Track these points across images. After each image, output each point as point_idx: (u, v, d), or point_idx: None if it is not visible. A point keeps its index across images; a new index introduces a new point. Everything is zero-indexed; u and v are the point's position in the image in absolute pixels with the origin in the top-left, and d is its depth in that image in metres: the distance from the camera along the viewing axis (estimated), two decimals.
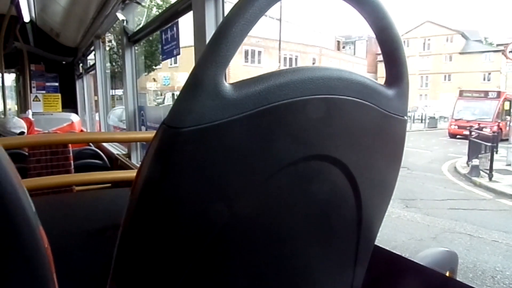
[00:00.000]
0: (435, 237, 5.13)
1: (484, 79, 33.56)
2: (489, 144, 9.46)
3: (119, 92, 5.91)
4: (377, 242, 0.83)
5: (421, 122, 26.01)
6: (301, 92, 0.53)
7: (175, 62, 21.20)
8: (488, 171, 8.63)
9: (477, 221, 5.79)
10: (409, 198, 7.03)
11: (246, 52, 24.60)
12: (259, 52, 25.38)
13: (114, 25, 3.83)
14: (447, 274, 0.95)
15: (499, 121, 17.39)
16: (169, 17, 2.29)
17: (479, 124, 15.19)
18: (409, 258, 0.90)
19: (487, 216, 6.14)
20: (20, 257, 0.41)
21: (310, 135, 0.57)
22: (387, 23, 0.61)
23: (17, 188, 0.40)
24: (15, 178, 0.40)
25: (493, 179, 8.46)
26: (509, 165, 9.99)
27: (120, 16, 2.94)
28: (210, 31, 1.59)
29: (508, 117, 16.96)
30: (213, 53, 0.47)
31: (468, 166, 9.64)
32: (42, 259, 0.43)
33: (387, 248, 0.89)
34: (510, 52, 12.70)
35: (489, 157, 8.94)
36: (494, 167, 8.72)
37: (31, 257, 0.42)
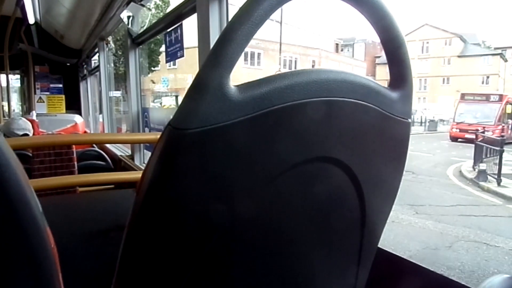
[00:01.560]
0: (450, 246, 4.99)
1: (482, 83, 33.70)
2: (494, 147, 9.34)
3: (116, 93, 5.93)
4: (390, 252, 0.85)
5: (421, 125, 26.04)
6: (305, 94, 0.53)
7: (174, 64, 21.12)
8: (496, 176, 8.50)
9: (490, 228, 5.65)
10: (418, 203, 6.90)
11: (246, 54, 24.57)
12: (259, 54, 25.37)
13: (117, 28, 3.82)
14: None
15: (502, 124, 17.36)
16: (173, 20, 2.27)
17: (484, 128, 15.11)
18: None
19: (500, 223, 6.01)
20: (27, 257, 0.41)
21: (314, 137, 0.57)
22: (390, 25, 0.61)
23: (25, 189, 0.39)
24: (23, 178, 0.40)
25: (501, 184, 8.33)
26: None
27: (125, 15, 2.89)
28: (214, 34, 1.62)
29: (510, 121, 16.93)
30: (219, 56, 0.47)
31: (475, 170, 9.51)
32: (48, 259, 0.43)
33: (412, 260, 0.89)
34: None
35: (496, 161, 8.81)
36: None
37: (37, 257, 0.42)
